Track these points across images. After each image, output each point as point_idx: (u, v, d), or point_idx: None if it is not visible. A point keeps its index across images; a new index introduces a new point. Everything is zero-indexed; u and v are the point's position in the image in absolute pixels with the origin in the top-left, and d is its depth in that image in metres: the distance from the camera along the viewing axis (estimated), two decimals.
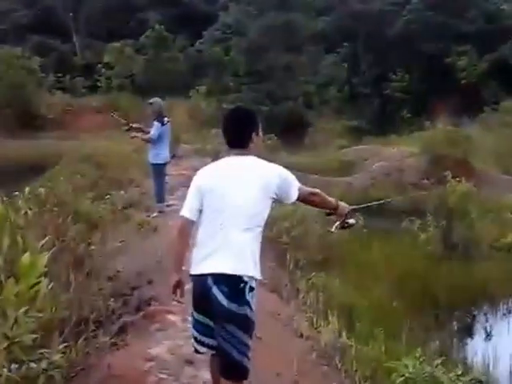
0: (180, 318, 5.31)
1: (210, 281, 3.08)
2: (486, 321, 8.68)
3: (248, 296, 3.07)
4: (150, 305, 5.86)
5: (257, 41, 34.19)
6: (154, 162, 9.55)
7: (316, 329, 6.12)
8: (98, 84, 33.46)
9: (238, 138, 3.31)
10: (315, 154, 22.16)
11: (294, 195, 3.26)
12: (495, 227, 11.62)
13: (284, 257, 8.82)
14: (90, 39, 38.58)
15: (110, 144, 16.32)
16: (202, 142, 17.45)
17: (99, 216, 8.34)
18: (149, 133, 9.51)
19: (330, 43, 35.71)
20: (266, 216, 3.20)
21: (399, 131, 27.25)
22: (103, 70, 33.17)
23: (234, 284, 3.06)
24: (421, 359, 4.89)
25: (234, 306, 3.04)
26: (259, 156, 3.33)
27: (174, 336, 4.90)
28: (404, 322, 7.51)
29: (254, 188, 3.16)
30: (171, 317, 5.39)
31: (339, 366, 5.25)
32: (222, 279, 3.07)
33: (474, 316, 8.92)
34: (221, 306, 3.06)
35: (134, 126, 10.00)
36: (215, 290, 3.07)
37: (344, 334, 5.97)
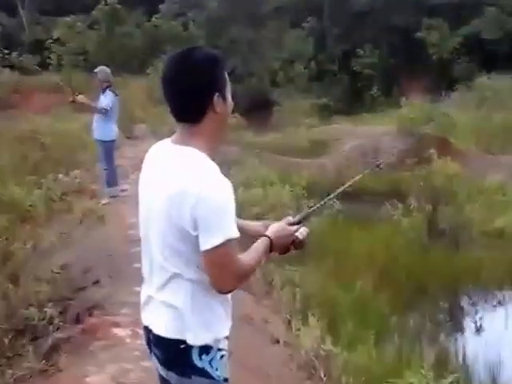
0: (129, 333, 4.43)
1: (150, 336, 2.16)
2: (476, 313, 8.08)
3: (198, 360, 2.03)
4: (91, 315, 4.96)
5: (218, 14, 33.24)
6: (107, 138, 8.65)
7: (296, 331, 5.50)
8: (49, 61, 31.82)
9: (178, 104, 2.05)
10: (283, 134, 21.28)
11: (204, 250, 1.94)
12: (484, 211, 10.72)
13: None
14: (39, 14, 37.09)
15: (58, 123, 15.05)
16: (160, 122, 16.26)
17: (30, 205, 7.14)
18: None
19: (294, 17, 34.76)
20: (194, 257, 1.99)
21: (370, 109, 26.72)
22: (53, 46, 31.52)
23: (168, 346, 2.07)
24: (428, 376, 4.36)
25: (172, 377, 2.08)
26: (214, 139, 2.09)
27: (120, 357, 4.08)
28: (391, 319, 7.25)
29: (162, 213, 2.02)
30: (118, 331, 4.52)
31: (323, 378, 4.68)
32: (156, 339, 2.11)
33: (464, 308, 8.38)
34: (160, 376, 2.16)
35: (79, 98, 8.75)
36: (153, 350, 2.15)
37: (327, 338, 5.32)
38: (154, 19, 35.95)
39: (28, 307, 4.98)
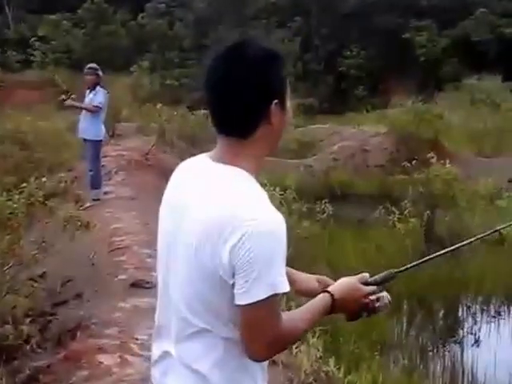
0: (116, 360, 3.96)
1: None
2: (475, 323, 7.80)
3: None
4: (74, 337, 4.52)
5: (204, 13, 32.97)
6: (97, 138, 8.32)
7: (295, 351, 4.92)
8: (33, 59, 31.69)
9: (224, 113, 1.60)
10: None
11: (240, 304, 1.48)
12: (483, 216, 10.36)
13: None
14: (24, 11, 36.77)
15: (40, 121, 14.55)
16: (145, 120, 15.81)
17: (9, 212, 6.64)
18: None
19: (281, 17, 34.47)
20: (227, 311, 1.52)
21: (355, 109, 26.40)
22: (38, 44, 31.48)
23: None
24: None
25: None
26: (263, 157, 1.65)
27: None
28: (393, 333, 7.06)
29: (191, 250, 1.54)
30: (104, 358, 4.03)
31: None
32: None
33: (466, 319, 8.04)
34: None
35: (67, 102, 8.62)
36: None
37: (328, 358, 4.94)
38: (139, 18, 36.01)
39: (2, 325, 4.57)
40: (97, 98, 8.18)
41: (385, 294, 1.77)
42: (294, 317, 1.60)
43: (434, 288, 8.00)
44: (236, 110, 1.55)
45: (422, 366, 6.21)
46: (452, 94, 24.23)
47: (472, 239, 2.09)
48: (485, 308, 8.17)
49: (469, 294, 8.24)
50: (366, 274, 1.80)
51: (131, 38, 34.19)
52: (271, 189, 10.18)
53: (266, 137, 1.59)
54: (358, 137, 17.77)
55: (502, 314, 8.04)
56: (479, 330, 7.59)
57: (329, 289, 1.69)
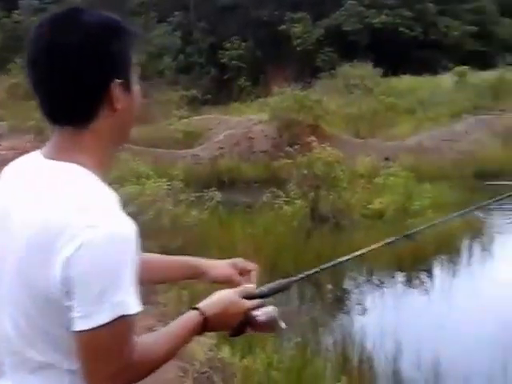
0: None
1: None
2: (361, 294, 8.16)
3: None
4: None
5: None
6: None
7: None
8: None
9: (52, 97, 1.28)
10: (154, 126, 20.63)
11: (79, 330, 1.18)
12: (362, 194, 10.86)
13: None
14: None
15: None
16: (22, 118, 15.06)
17: None
18: None
19: (160, 12, 34.22)
20: (68, 340, 1.21)
21: (239, 99, 26.84)
22: None
23: None
24: None
25: None
26: (109, 150, 1.35)
27: None
28: (283, 311, 6.57)
29: (17, 269, 1.24)
30: None
31: None
32: None
33: (350, 291, 8.34)
34: None
35: None
36: None
37: (223, 346, 4.91)
38: (13, 15, 34.49)
39: None
40: None
41: (269, 309, 1.50)
42: (152, 341, 1.31)
43: (320, 263, 8.22)
44: (65, 91, 1.24)
45: (314, 342, 6.31)
46: (328, 81, 25.05)
47: (379, 244, 1.91)
48: (369, 279, 8.53)
49: (353, 266, 8.55)
50: (251, 286, 1.57)
51: (6, 36, 32.90)
52: (157, 180, 10.11)
53: (110, 125, 1.30)
54: (242, 125, 18.02)
55: (385, 283, 8.43)
56: (365, 300, 7.93)
57: (200, 305, 1.42)
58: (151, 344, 1.29)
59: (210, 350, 4.77)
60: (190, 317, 1.39)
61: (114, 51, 1.28)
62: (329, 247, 8.61)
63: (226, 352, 4.80)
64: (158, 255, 1.69)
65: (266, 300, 1.55)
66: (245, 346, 5.22)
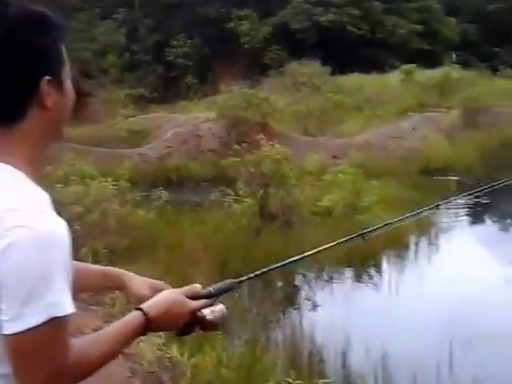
0: None
1: None
2: (311, 290, 8.21)
3: None
4: None
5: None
6: None
7: (137, 344, 4.71)
8: None
9: None
10: (99, 125, 20.30)
11: (8, 334, 1.12)
12: (311, 191, 10.90)
13: (78, 249, 7.05)
14: None
15: None
16: None
17: None
18: None
19: (104, 9, 33.74)
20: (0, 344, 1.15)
21: (187, 98, 26.77)
22: None
23: None
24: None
25: None
26: (40, 150, 1.29)
27: None
28: (234, 308, 6.70)
29: None
30: None
31: None
32: None
33: (300, 287, 8.40)
34: None
35: None
36: None
37: (171, 345, 4.88)
38: None
39: None
40: None
41: (219, 307, 1.51)
42: (90, 342, 1.27)
43: (270, 261, 8.19)
44: None
45: (264, 338, 6.31)
46: (276, 79, 25.18)
47: (333, 243, 1.88)
48: (319, 275, 8.57)
49: (304, 262, 8.54)
50: (198, 286, 1.53)
51: None
52: (103, 180, 9.89)
53: (40, 124, 1.25)
54: (190, 124, 17.91)
55: (335, 278, 8.47)
56: (315, 296, 7.95)
57: (144, 305, 1.38)
58: (89, 345, 1.25)
59: (159, 350, 4.74)
60: (133, 317, 1.35)
61: (42, 46, 1.23)
62: (278, 245, 8.60)
63: (175, 351, 4.75)
64: (83, 263, 1.63)
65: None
66: (194, 344, 5.18)
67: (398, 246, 9.31)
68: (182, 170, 15.43)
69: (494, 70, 29.45)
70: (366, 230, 2.03)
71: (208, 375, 4.59)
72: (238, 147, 11.16)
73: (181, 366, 4.58)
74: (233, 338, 6.36)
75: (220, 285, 1.58)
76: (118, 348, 1.31)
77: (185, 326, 1.46)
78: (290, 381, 4.39)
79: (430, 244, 9.67)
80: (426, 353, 5.87)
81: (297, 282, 8.47)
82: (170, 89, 29.95)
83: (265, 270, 1.69)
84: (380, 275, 8.62)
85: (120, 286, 1.64)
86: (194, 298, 1.48)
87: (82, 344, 1.23)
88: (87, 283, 1.61)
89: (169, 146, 16.52)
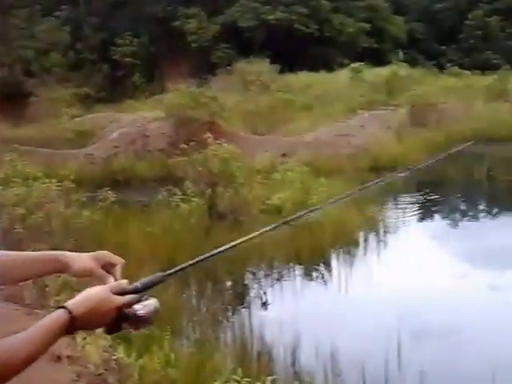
0: None
1: None
2: (261, 288, 8.16)
3: None
4: None
5: None
6: None
7: (82, 343, 4.68)
8: None
9: None
10: (43, 125, 19.78)
11: None
12: (261, 189, 10.85)
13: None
14: None
15: None
16: None
17: None
18: None
19: (46, 6, 33.07)
20: None
21: (134, 97, 26.41)
22: None
23: None
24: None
25: None
26: None
27: None
28: (182, 308, 6.97)
29: None
30: None
31: None
32: None
33: (250, 285, 8.36)
34: None
35: None
36: None
37: (118, 346, 4.76)
38: None
39: None
40: None
41: (150, 301, 1.46)
42: (10, 344, 1.23)
43: (219, 260, 8.12)
44: None
45: (214, 338, 6.24)
46: (225, 78, 25.08)
47: (259, 232, 1.77)
48: (269, 273, 8.53)
49: (253, 261, 8.50)
50: (124, 281, 1.49)
51: None
52: (47, 181, 9.62)
53: None
54: (137, 123, 17.64)
55: (285, 276, 8.44)
56: (265, 294, 7.91)
57: (68, 303, 1.34)
58: (9, 347, 1.21)
59: (105, 352, 4.61)
60: (57, 316, 1.30)
61: None
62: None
63: (121, 352, 4.64)
64: (15, 252, 1.53)
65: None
66: (142, 345, 5.10)
67: (347, 243, 9.35)
68: (129, 170, 15.17)
69: (441, 68, 30.15)
70: (289, 218, 2.00)
71: (156, 376, 4.53)
72: (185, 146, 11.00)
73: (128, 368, 4.47)
74: (182, 338, 6.28)
75: (147, 279, 1.51)
76: (41, 349, 1.27)
77: (113, 322, 1.40)
78: (238, 379, 4.32)
79: (378, 241, 9.75)
80: (375, 349, 5.91)
81: (246, 281, 8.41)
82: (116, 88, 29.53)
83: (191, 262, 1.62)
84: (329, 272, 8.64)
85: (60, 268, 1.54)
86: (121, 293, 1.43)
87: (7, 345, 1.20)
88: (22, 273, 1.51)
89: (116, 146, 16.21)
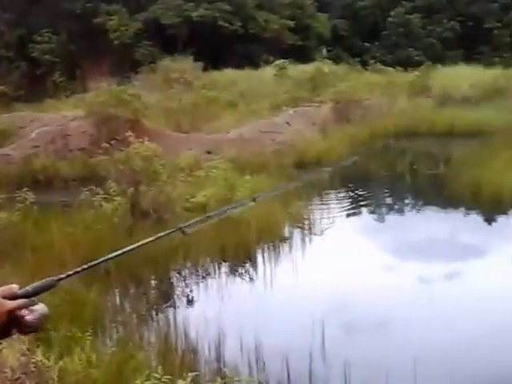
0: None
1: None
2: (186, 286, 8.16)
3: None
4: None
5: None
6: None
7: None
8: None
9: None
10: None
11: None
12: (184, 187, 10.77)
13: None
14: None
15: None
16: None
17: None
18: None
19: None
20: None
21: (54, 96, 25.47)
22: None
23: None
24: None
25: None
26: None
27: None
28: (106, 308, 6.93)
29: None
30: None
31: None
32: None
33: (175, 284, 8.33)
34: None
35: None
36: None
37: (37, 349, 4.70)
38: None
39: None
40: None
41: (38, 307, 1.43)
42: None
43: (144, 260, 8.02)
44: None
45: (137, 337, 6.17)
46: (148, 76, 24.77)
47: (153, 237, 1.80)
48: (194, 271, 8.49)
49: (178, 259, 8.44)
50: (14, 286, 1.46)
51: None
52: None
53: None
54: (57, 122, 17.16)
55: (210, 274, 8.43)
56: (190, 291, 7.91)
57: None
58: None
59: (23, 355, 4.52)
60: None
61: None
62: (150, 244, 8.36)
63: (40, 355, 4.55)
64: None
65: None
66: (62, 346, 5.04)
67: (272, 239, 9.41)
68: (49, 170, 14.74)
69: (365, 64, 30.80)
70: (185, 224, 1.99)
71: (76, 377, 4.49)
72: (107, 145, 10.79)
73: (47, 371, 4.41)
74: (104, 338, 6.17)
75: (38, 284, 1.50)
76: None
77: (1, 327, 1.37)
78: (158, 376, 4.30)
79: (304, 236, 9.85)
80: (299, 343, 6.01)
81: (171, 279, 8.36)
82: (36, 86, 28.54)
83: (85, 266, 1.63)
84: (255, 268, 8.69)
85: None
86: (11, 298, 1.40)
87: None
88: None
89: (35, 146, 15.70)
